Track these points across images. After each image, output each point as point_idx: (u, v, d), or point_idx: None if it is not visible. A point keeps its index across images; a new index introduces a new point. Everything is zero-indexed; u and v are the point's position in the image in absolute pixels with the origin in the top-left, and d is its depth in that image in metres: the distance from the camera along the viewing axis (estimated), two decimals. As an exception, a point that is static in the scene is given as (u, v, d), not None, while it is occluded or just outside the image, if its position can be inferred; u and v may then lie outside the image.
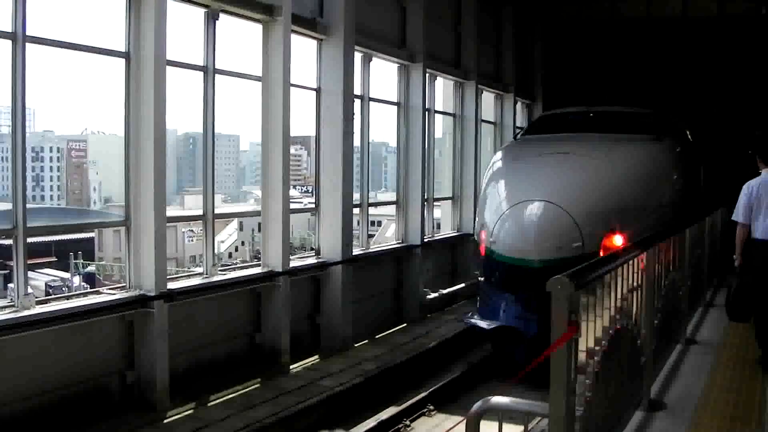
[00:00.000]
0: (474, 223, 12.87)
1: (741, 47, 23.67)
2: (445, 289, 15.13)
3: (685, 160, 12.81)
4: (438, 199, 16.42)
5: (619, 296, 4.74)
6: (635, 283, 5.31)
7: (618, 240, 9.53)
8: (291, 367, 10.28)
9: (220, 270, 10.19)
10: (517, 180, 10.73)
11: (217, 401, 8.77)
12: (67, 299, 9.96)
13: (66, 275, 31.25)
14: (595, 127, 12.11)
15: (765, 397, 6.43)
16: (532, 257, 9.56)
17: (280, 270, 10.23)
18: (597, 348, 4.20)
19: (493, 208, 10.48)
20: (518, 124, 20.34)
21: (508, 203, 10.19)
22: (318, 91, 11.59)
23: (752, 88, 29.86)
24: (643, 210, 10.41)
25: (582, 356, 3.87)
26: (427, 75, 14.45)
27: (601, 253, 9.02)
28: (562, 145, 11.34)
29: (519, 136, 13.36)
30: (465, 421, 4.30)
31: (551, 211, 9.69)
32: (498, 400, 4.23)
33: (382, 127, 14.65)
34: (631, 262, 5.10)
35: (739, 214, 7.34)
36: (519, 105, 20.52)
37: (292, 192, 12.82)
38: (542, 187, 10.10)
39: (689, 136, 14.10)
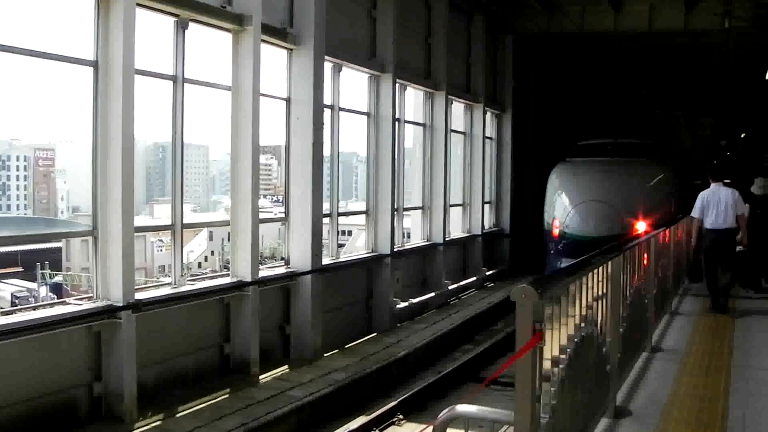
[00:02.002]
0: (536, 217, 18.51)
1: (706, 60, 24.07)
2: (415, 298, 15.18)
3: (675, 174, 18.12)
4: (408, 209, 16.48)
5: (584, 305, 4.81)
6: (601, 292, 5.38)
7: (642, 225, 14.72)
8: (260, 377, 10.24)
9: (189, 280, 10.15)
10: (578, 188, 16.42)
11: (186, 412, 8.69)
12: (34, 310, 9.87)
13: (33, 285, 30.77)
14: (620, 153, 17.47)
15: (728, 404, 6.54)
16: (591, 235, 14.96)
17: (250, 280, 10.20)
18: (562, 356, 4.25)
19: (563, 205, 16.18)
20: (488, 134, 20.49)
21: (574, 202, 15.95)
22: (288, 100, 11.60)
23: (715, 98, 30.31)
24: (655, 206, 15.60)
25: (547, 364, 3.91)
26: (397, 85, 14.52)
27: (633, 233, 13.86)
28: (602, 166, 16.94)
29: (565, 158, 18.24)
30: (431, 429, 4.32)
31: (602, 207, 15.55)
32: (464, 408, 4.26)
33: (353, 136, 14.70)
34: (596, 271, 5.17)
35: (695, 212, 11.25)
36: (489, 115, 20.67)
37: (263, 201, 12.81)
38: (596, 193, 15.95)
39: (675, 156, 20.48)
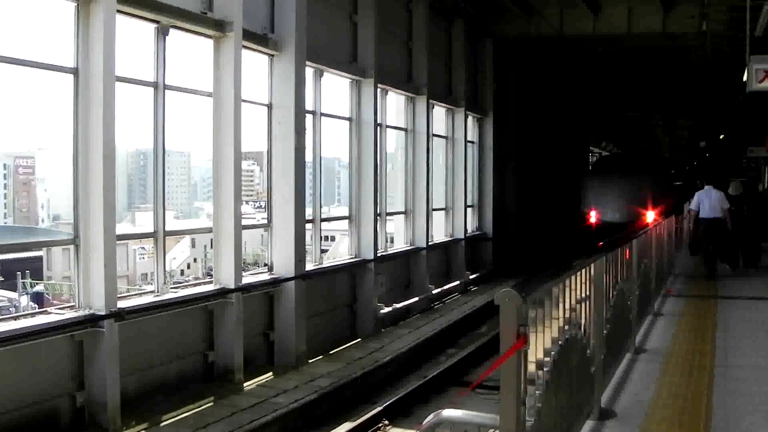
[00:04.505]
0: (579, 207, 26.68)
1: (684, 62, 24.26)
2: (398, 303, 15.17)
3: (666, 179, 27.71)
4: (391, 214, 16.47)
5: (567, 307, 4.82)
6: (584, 294, 5.40)
7: (650, 214, 22.32)
8: (245, 384, 10.20)
9: (172, 287, 10.09)
10: (606, 189, 25.33)
11: (170, 421, 8.65)
12: (15, 319, 9.77)
13: (13, 295, 30.44)
14: (632, 164, 26.77)
15: (712, 403, 6.59)
16: (617, 220, 23.40)
17: (233, 287, 10.16)
18: (546, 359, 4.26)
19: (599, 201, 25.11)
20: (469, 138, 20.56)
21: (605, 199, 24.90)
22: (269, 106, 11.58)
23: (694, 100, 30.57)
24: (657, 201, 23.40)
25: (531, 367, 3.93)
26: (378, 90, 14.53)
27: (644, 219, 21.62)
28: (621, 175, 25.49)
29: (593, 168, 28.93)
30: (418, 434, 4.32)
31: (623, 202, 24.24)
32: (450, 413, 4.26)
33: (335, 142, 14.69)
34: (579, 273, 5.19)
35: (693, 205, 15.08)
36: (470, 119, 20.74)
37: (245, 207, 12.77)
38: (618, 192, 24.90)
39: (666, 166, 31.97)
